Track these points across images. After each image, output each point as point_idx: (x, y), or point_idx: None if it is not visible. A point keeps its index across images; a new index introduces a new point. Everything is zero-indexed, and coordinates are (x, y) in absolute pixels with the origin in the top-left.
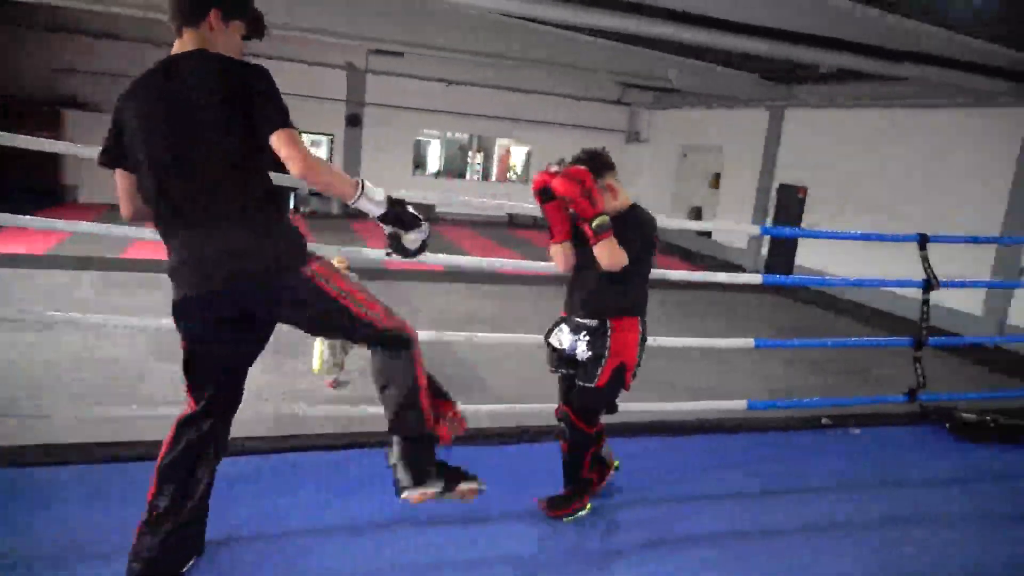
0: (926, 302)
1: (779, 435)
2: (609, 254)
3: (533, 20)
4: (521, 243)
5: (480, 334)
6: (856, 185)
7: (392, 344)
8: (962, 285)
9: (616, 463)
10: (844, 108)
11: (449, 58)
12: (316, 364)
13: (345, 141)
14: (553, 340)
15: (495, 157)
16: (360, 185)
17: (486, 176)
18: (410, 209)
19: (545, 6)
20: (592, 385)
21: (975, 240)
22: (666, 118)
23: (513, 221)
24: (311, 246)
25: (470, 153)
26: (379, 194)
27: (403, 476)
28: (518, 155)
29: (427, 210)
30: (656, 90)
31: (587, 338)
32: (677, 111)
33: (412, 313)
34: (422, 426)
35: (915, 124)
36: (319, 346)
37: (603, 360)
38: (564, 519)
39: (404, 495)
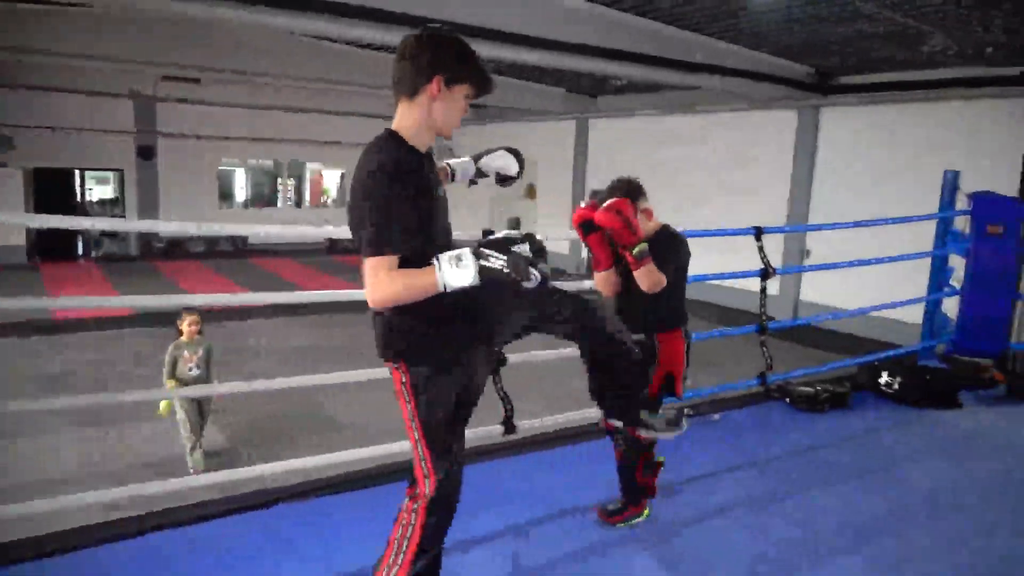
0: (763, 290)
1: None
2: (649, 278)
3: (333, 40)
4: (345, 269)
5: (336, 373)
6: (659, 186)
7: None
8: (792, 271)
9: (662, 459)
10: (642, 116)
11: (249, 82)
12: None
13: (138, 175)
14: None
15: (307, 182)
16: (438, 268)
17: (299, 203)
18: (514, 252)
19: (340, 25)
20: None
21: (797, 229)
22: (479, 133)
23: (334, 247)
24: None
25: (279, 180)
26: (464, 261)
27: None
28: (331, 178)
29: (509, 243)
30: (473, 107)
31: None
32: (489, 125)
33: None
34: None
35: (707, 127)
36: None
37: (650, 370)
38: (619, 525)
39: None
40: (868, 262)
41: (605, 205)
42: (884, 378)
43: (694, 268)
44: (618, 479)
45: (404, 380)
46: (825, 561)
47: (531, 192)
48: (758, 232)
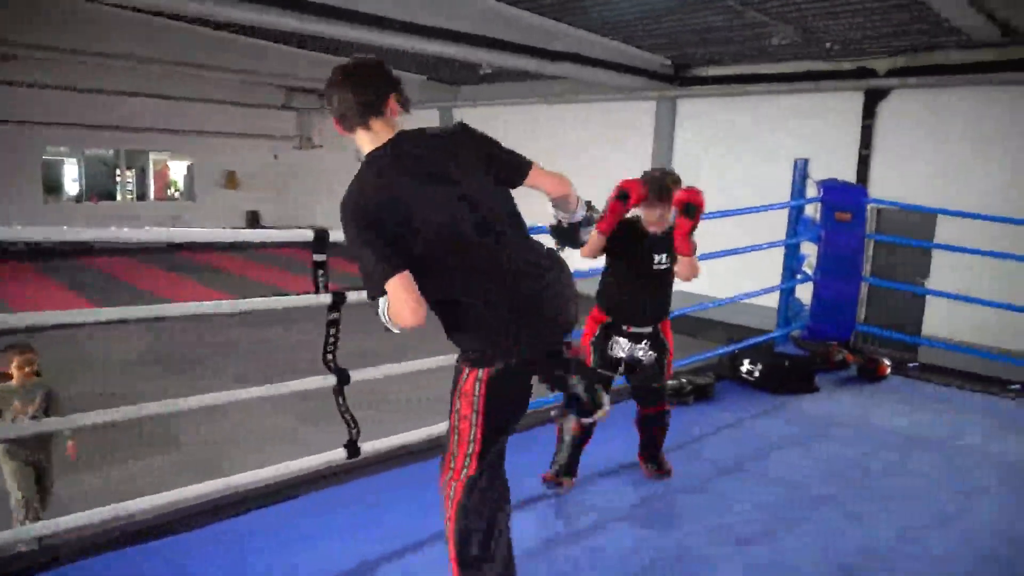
0: None
1: (523, 435)
2: (694, 268)
3: (178, 18)
4: (200, 269)
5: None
6: None
7: None
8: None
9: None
10: (509, 104)
11: (82, 63)
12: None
13: None
14: (613, 353)
15: (150, 173)
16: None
17: (142, 196)
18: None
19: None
20: (663, 383)
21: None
22: (325, 125)
23: (182, 245)
24: None
25: (118, 171)
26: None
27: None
28: (178, 170)
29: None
30: (323, 94)
31: (647, 343)
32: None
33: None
34: None
35: (571, 116)
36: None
37: (665, 359)
38: (667, 479)
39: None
40: (719, 254)
41: (694, 190)
42: (745, 366)
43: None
44: (650, 445)
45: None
46: (699, 572)
47: None
48: None
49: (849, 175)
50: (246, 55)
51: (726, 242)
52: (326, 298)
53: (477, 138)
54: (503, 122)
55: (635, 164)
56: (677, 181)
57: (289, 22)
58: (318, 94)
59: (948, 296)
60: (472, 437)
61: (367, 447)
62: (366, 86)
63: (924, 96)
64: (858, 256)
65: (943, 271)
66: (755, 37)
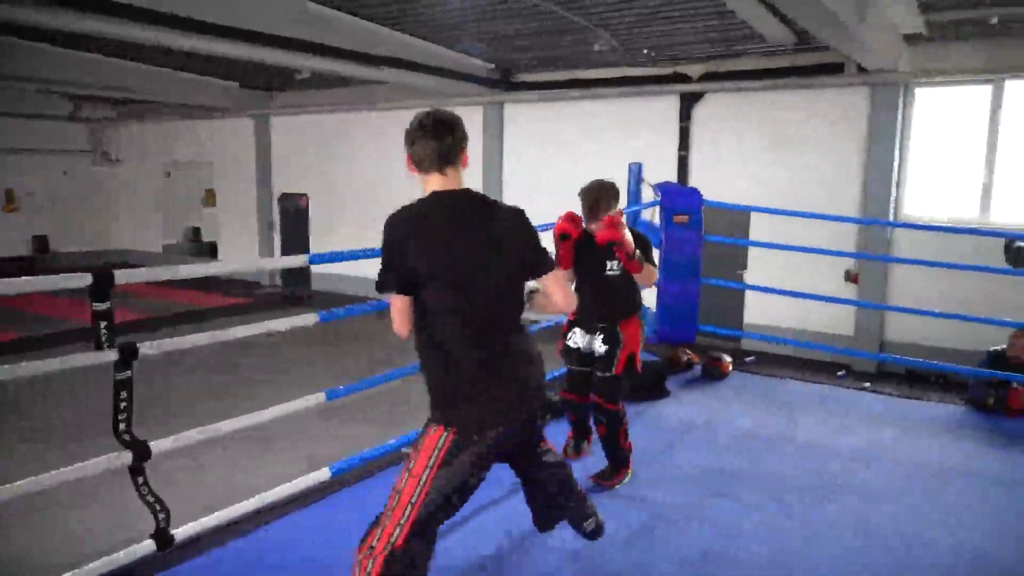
0: None
1: None
2: (650, 276)
3: None
4: None
5: None
6: (348, 186)
7: None
8: None
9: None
10: (328, 111)
11: None
12: None
13: None
14: (570, 342)
15: None
16: None
17: None
18: None
19: None
20: (611, 374)
21: None
22: (140, 134)
23: None
24: None
25: None
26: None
27: None
28: None
29: None
30: (117, 103)
31: (601, 336)
32: (153, 125)
33: None
34: None
35: (394, 122)
36: None
37: (617, 353)
38: (616, 487)
39: None
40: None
41: (604, 222)
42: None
43: None
44: (604, 449)
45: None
46: None
47: (210, 198)
48: None
49: (671, 176)
50: (22, 59)
51: None
52: (111, 355)
53: (524, 232)
54: (323, 128)
55: (465, 170)
56: (607, 194)
57: (70, 21)
58: (112, 102)
59: (764, 290)
60: (413, 501)
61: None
62: (444, 136)
63: (730, 99)
64: (697, 257)
65: (760, 265)
66: (577, 43)
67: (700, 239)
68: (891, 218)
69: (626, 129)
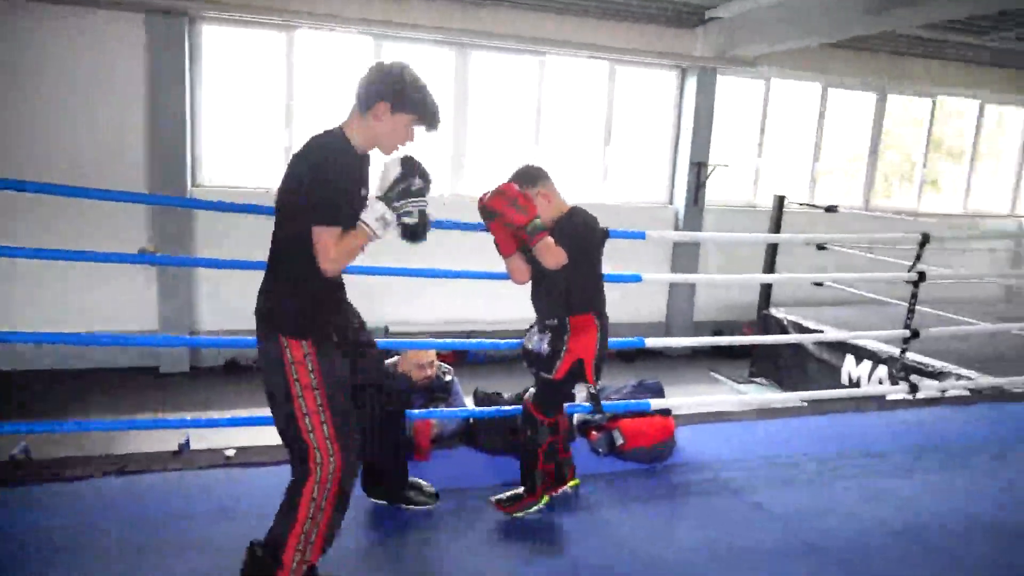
0: None
1: None
2: (548, 253)
3: None
4: None
5: None
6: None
7: (297, 476)
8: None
9: (576, 481)
10: None
11: None
12: None
13: None
14: (527, 343)
15: None
16: (367, 226)
17: None
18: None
19: None
20: (550, 376)
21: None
22: None
23: None
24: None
25: None
26: (378, 212)
27: None
28: None
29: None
30: None
31: (548, 335)
32: None
33: None
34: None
35: None
36: None
37: (561, 355)
38: (514, 515)
39: None
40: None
41: (491, 191)
42: None
43: None
44: (520, 467)
45: (291, 353)
46: None
47: None
48: None
49: None
50: None
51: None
52: None
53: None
54: None
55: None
56: (517, 174)
57: None
58: None
59: None
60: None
61: None
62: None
63: None
64: None
65: None
66: None
67: None
68: (188, 186)
69: None
